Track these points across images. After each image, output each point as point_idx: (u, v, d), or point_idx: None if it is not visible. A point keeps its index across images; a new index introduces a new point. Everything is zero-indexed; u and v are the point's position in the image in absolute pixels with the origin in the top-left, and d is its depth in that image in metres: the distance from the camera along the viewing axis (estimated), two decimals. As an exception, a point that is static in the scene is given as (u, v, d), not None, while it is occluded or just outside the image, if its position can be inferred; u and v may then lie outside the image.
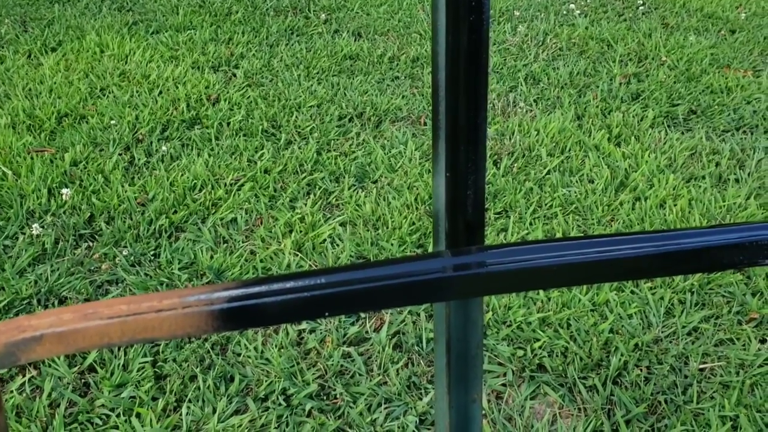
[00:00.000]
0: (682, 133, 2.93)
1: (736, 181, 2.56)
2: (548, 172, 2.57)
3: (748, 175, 2.60)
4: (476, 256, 0.81)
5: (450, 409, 0.88)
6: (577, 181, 2.51)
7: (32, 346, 0.67)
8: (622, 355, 1.81)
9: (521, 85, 3.27)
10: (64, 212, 2.33)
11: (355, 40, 3.67)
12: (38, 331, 0.66)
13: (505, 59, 3.49)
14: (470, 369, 0.88)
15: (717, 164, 2.67)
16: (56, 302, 1.98)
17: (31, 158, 2.61)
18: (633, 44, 3.75)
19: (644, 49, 3.71)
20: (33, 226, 2.25)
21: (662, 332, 1.89)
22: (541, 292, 1.97)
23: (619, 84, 3.31)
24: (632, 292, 2.02)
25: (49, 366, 1.77)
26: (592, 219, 2.33)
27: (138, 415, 1.63)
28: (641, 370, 1.78)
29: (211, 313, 0.64)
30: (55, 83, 3.19)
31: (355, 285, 0.70)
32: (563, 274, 0.75)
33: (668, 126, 2.98)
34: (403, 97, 3.13)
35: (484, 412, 1.67)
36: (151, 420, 1.61)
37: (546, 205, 2.39)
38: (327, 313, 0.69)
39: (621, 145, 2.79)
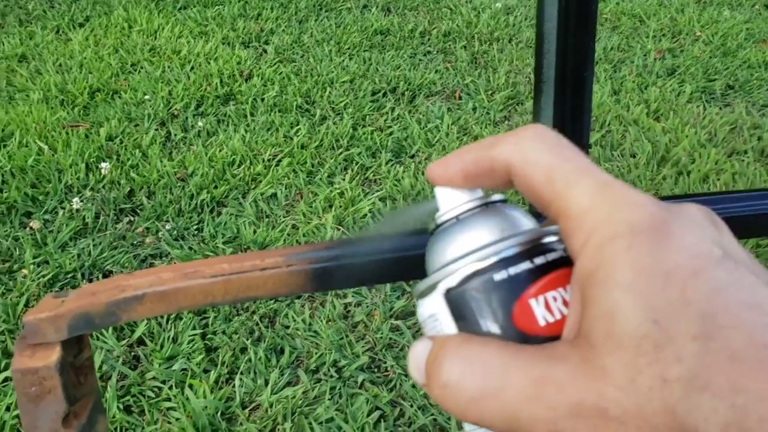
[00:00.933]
0: (721, 108, 2.89)
1: (780, 155, 2.52)
2: (590, 147, 2.54)
3: (792, 150, 2.55)
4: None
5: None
6: (618, 155, 2.48)
7: (133, 306, 0.66)
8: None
9: (555, 60, 3.22)
10: (104, 187, 2.33)
11: (384, 15, 3.62)
12: (139, 290, 0.64)
13: (537, 34, 3.44)
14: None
15: (759, 138, 2.63)
16: (100, 276, 1.97)
17: (66, 133, 2.60)
18: (666, 19, 3.69)
19: (677, 24, 3.65)
20: (73, 200, 2.24)
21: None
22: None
23: (654, 59, 3.26)
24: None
25: (98, 339, 1.76)
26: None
27: (191, 387, 1.63)
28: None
29: (314, 272, 0.63)
30: (85, 58, 3.17)
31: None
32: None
33: (706, 101, 2.93)
34: (436, 71, 3.09)
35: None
36: (204, 391, 1.61)
37: (588, 179, 2.36)
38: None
39: (660, 119, 2.75)
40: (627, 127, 2.67)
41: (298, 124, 2.69)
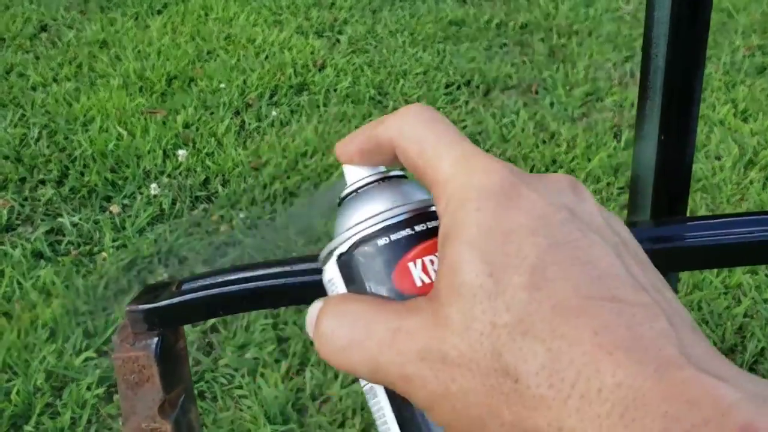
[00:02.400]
0: (814, 109, 2.74)
1: None
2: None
3: None
4: (680, 227, 0.74)
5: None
6: (703, 158, 2.38)
7: (232, 302, 0.66)
8: (759, 340, 1.71)
9: (637, 54, 3.11)
10: (180, 173, 2.36)
11: (460, 6, 3.57)
12: (237, 286, 0.64)
13: (619, 27, 3.33)
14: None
15: None
16: (176, 262, 2.01)
17: (145, 119, 2.65)
18: (757, 14, 3.53)
19: None
20: (151, 186, 2.28)
21: (804, 320, 1.77)
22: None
23: (742, 56, 3.11)
24: (767, 275, 1.91)
25: (174, 324, 1.79)
26: (721, 197, 2.21)
27: (263, 376, 1.64)
28: (783, 359, 1.68)
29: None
30: (163, 45, 3.23)
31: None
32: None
33: (798, 101, 2.79)
34: (512, 65, 3.03)
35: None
36: (276, 382, 1.61)
37: (670, 181, 2.28)
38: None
39: (748, 120, 2.63)
40: (712, 127, 2.56)
41: (370, 116, 2.67)
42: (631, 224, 0.75)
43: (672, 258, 0.66)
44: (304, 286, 0.60)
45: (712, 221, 0.71)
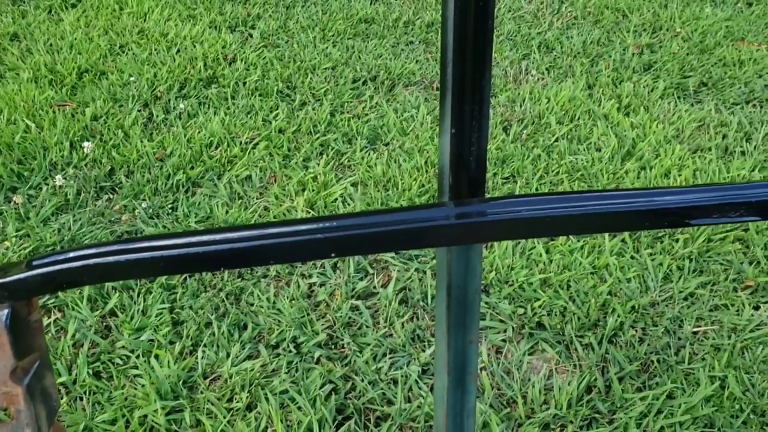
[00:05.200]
0: (692, 105, 2.97)
1: (742, 153, 2.61)
2: (556, 140, 2.62)
3: (755, 148, 2.64)
4: (477, 206, 0.89)
5: (449, 350, 0.96)
6: (584, 149, 2.56)
7: (73, 275, 0.75)
8: (618, 316, 1.89)
9: (534, 52, 3.30)
10: (86, 165, 2.42)
11: (370, 4, 3.69)
12: (81, 262, 0.74)
13: (519, 27, 3.51)
14: (468, 313, 0.95)
15: (724, 136, 2.71)
16: (78, 250, 2.06)
17: (53, 112, 2.69)
18: (648, 14, 3.76)
19: (659, 20, 3.72)
20: (56, 177, 2.33)
21: (659, 296, 1.96)
22: (543, 254, 2.04)
23: (632, 54, 3.33)
24: (632, 257, 2.09)
25: (73, 309, 1.86)
26: (598, 186, 2.39)
27: (156, 357, 1.73)
28: (636, 331, 1.86)
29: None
30: (75, 39, 3.25)
31: (366, 229, 0.78)
32: (554, 224, 0.83)
33: (678, 97, 3.01)
34: (417, 61, 3.17)
35: (483, 365, 1.75)
36: (168, 362, 1.71)
37: (553, 171, 2.45)
38: (334, 254, 0.76)
39: (630, 115, 2.83)
40: (596, 121, 2.75)
41: (277, 109, 2.77)
42: (437, 205, 0.88)
43: (468, 231, 0.80)
44: (136, 263, 0.70)
45: (501, 200, 0.84)
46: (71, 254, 0.73)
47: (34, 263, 0.73)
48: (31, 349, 0.75)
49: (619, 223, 0.79)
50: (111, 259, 0.73)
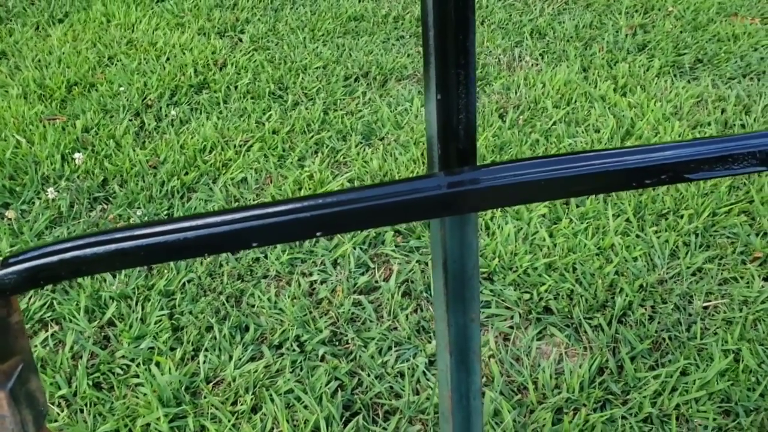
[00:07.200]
0: (689, 81, 2.93)
1: (742, 126, 2.57)
2: (554, 124, 2.59)
3: (754, 120, 2.60)
4: (469, 174, 0.85)
5: (449, 329, 0.92)
6: (582, 131, 2.53)
7: (45, 272, 0.72)
8: (627, 295, 1.85)
9: (527, 39, 3.26)
10: (78, 176, 2.38)
11: (359, 1, 3.66)
12: (58, 256, 0.70)
13: (510, 14, 3.48)
14: (467, 289, 0.91)
15: (723, 111, 2.67)
16: (74, 262, 2.03)
17: (44, 126, 2.66)
18: (639, -4, 3.73)
19: (650, 0, 3.68)
20: (48, 190, 2.30)
21: (667, 273, 1.92)
22: (547, 238, 2.01)
23: (625, 35, 3.29)
24: (637, 236, 2.05)
25: (70, 321, 1.83)
26: (598, 167, 2.35)
27: (157, 364, 1.69)
28: (646, 309, 1.82)
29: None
30: (63, 53, 3.23)
31: (359, 203, 0.74)
32: (548, 188, 0.79)
33: (674, 75, 2.97)
34: (408, 55, 3.14)
35: (492, 352, 1.71)
36: (170, 368, 1.67)
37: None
38: (320, 233, 0.73)
39: (627, 95, 2.79)
40: (593, 103, 2.71)
41: (270, 110, 2.74)
42: (428, 176, 0.85)
43: (462, 200, 0.76)
44: (116, 253, 0.67)
45: (492, 167, 0.81)
46: (48, 249, 0.70)
47: (10, 261, 0.70)
48: (12, 351, 0.71)
49: (615, 182, 0.75)
50: (89, 251, 0.70)
